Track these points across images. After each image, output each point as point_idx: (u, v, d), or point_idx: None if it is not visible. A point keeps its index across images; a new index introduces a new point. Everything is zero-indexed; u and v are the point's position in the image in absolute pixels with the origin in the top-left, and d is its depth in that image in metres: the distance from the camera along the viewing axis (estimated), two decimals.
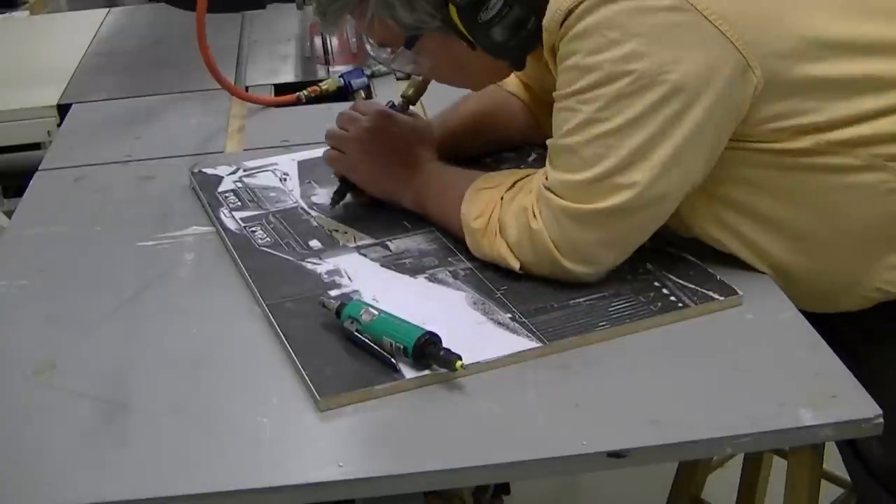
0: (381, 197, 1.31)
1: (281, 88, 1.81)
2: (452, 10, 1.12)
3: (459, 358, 0.98)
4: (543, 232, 1.09)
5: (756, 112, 1.06)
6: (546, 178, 1.10)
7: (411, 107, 1.36)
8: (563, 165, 1.09)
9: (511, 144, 1.42)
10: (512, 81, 1.41)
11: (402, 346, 1.01)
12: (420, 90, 1.36)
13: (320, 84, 1.74)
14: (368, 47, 1.23)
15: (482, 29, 1.12)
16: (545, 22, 1.07)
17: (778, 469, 1.42)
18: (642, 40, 1.01)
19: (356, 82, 1.76)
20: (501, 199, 1.15)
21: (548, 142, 1.12)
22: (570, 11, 1.04)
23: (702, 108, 1.03)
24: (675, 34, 1.02)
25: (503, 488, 1.88)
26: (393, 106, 1.36)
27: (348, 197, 1.33)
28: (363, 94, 1.76)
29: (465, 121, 1.39)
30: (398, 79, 1.81)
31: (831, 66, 1.05)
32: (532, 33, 1.13)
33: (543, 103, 1.40)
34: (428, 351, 1.00)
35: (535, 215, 1.10)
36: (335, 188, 1.33)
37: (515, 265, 1.12)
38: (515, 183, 1.16)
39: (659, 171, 1.05)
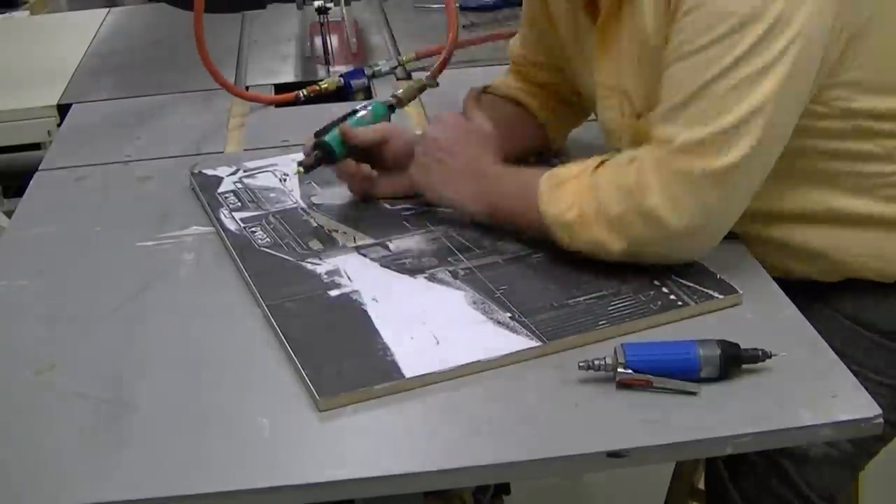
0: (453, 206, 1.26)
1: (281, 88, 1.81)
2: None
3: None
4: (660, 208, 1.07)
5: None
6: (665, 144, 1.07)
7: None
8: (696, 119, 1.06)
9: (518, 155, 1.37)
10: (518, 88, 1.40)
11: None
12: (411, 95, 1.36)
13: (319, 84, 1.74)
14: None
15: None
16: None
17: None
18: None
19: (356, 82, 1.76)
20: (590, 183, 1.12)
21: (662, 107, 1.08)
22: None
23: (816, 50, 1.05)
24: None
25: (503, 488, 1.88)
26: (390, 106, 1.36)
27: (335, 195, 1.32)
28: (362, 95, 1.76)
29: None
30: (398, 79, 1.82)
31: None
32: None
33: (553, 109, 1.41)
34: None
35: (650, 194, 1.07)
36: (309, 152, 1.28)
37: (617, 248, 1.10)
38: (599, 164, 1.13)
39: (786, 112, 1.06)
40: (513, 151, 1.33)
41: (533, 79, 1.42)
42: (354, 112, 1.34)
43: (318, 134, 1.29)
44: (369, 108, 1.34)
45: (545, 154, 1.42)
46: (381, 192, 1.34)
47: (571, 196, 1.12)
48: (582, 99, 1.38)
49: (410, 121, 1.63)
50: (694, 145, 1.05)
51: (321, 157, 1.27)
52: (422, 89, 1.41)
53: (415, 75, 1.79)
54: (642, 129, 1.13)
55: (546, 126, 1.41)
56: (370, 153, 1.32)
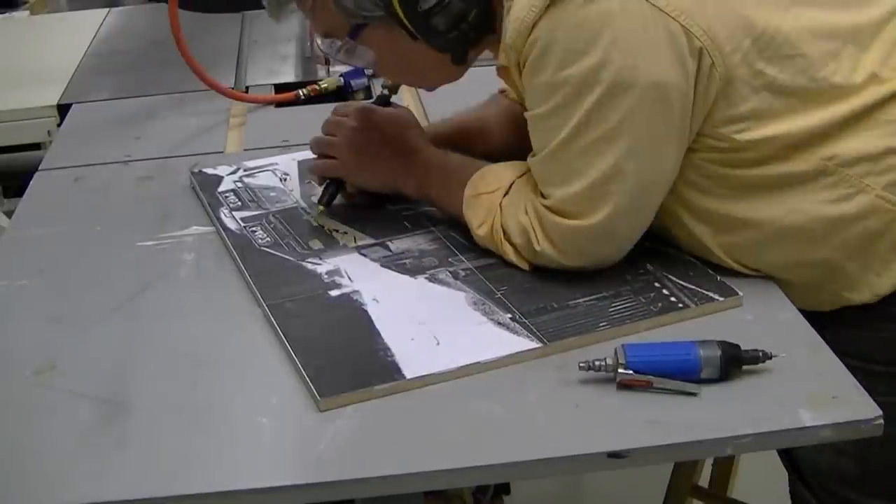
0: (384, 190, 1.31)
1: (281, 88, 1.81)
2: None
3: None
4: (547, 251, 1.11)
5: (715, 110, 1.06)
6: (542, 197, 1.11)
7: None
8: (556, 181, 1.09)
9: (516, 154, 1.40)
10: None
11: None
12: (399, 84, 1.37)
13: (319, 83, 1.74)
14: (317, 41, 1.23)
15: (422, 18, 1.11)
16: (508, 39, 1.07)
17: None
18: (606, 47, 1.01)
19: (356, 82, 1.76)
20: (500, 205, 1.15)
21: (531, 160, 1.13)
22: (534, 26, 1.03)
23: (678, 102, 1.03)
24: (638, 35, 1.01)
25: (503, 488, 1.88)
26: (380, 98, 1.36)
27: (339, 198, 1.33)
28: (362, 95, 1.76)
29: (463, 125, 1.38)
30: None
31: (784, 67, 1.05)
32: (473, 26, 1.13)
33: None
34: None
35: (537, 239, 1.12)
36: (324, 189, 1.32)
37: (525, 266, 1.15)
38: (511, 185, 1.16)
39: (648, 165, 1.06)
40: (514, 150, 1.33)
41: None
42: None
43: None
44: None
45: None
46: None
47: (484, 213, 1.17)
48: None
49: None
50: (563, 205, 1.09)
51: (335, 188, 1.32)
52: None
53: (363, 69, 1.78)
54: None
55: None
56: None
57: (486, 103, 1.40)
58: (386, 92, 1.36)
